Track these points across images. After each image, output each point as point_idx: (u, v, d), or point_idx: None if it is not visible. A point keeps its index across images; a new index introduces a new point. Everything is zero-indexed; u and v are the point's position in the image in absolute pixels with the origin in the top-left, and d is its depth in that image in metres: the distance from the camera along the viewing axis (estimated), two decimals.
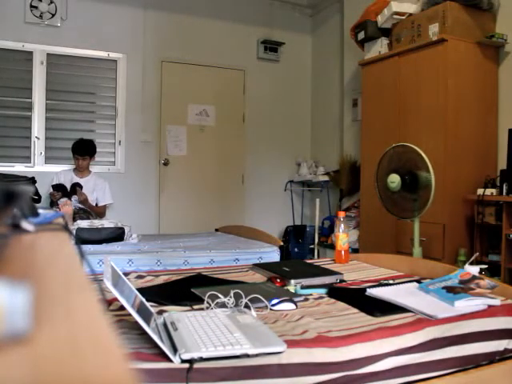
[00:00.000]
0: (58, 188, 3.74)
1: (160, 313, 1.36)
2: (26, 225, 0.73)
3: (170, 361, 1.03)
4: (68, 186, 3.79)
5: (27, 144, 4.36)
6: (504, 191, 3.02)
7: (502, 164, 3.23)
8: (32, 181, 3.51)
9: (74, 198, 3.75)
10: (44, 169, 4.33)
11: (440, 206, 3.22)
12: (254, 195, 5.30)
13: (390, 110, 3.72)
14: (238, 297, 1.46)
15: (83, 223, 2.97)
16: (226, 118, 5.17)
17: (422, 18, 3.45)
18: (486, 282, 1.63)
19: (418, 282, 1.78)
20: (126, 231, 3.06)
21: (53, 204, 3.68)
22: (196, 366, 1.03)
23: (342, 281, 1.90)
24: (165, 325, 1.24)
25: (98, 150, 4.17)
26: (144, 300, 1.20)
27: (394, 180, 2.79)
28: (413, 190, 2.75)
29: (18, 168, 4.24)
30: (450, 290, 1.59)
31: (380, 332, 1.27)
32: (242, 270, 2.18)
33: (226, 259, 2.73)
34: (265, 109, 5.37)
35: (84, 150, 3.95)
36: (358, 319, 1.39)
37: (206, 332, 1.17)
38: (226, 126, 5.17)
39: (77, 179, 3.94)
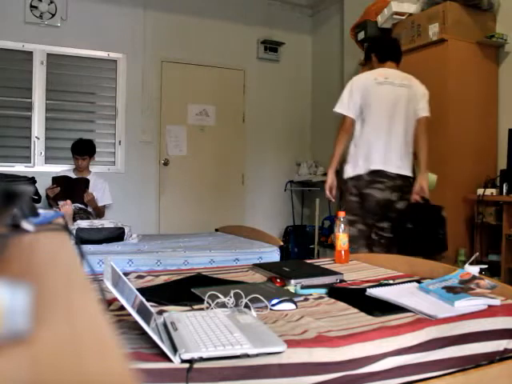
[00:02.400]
0: (59, 181, 3.71)
1: (160, 313, 1.35)
2: (25, 225, 0.73)
3: (170, 361, 1.03)
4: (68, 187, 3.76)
5: (27, 144, 4.36)
6: (504, 191, 3.02)
7: (502, 164, 3.23)
8: (32, 181, 3.51)
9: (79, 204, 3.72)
10: (44, 169, 4.33)
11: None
12: (254, 195, 5.31)
13: None
14: (238, 297, 1.46)
15: (83, 223, 2.97)
16: (226, 118, 5.17)
17: (422, 18, 3.45)
18: (486, 282, 1.63)
19: (418, 282, 1.78)
20: (125, 231, 3.05)
21: (50, 204, 3.66)
22: (196, 366, 1.03)
23: (342, 281, 1.90)
24: (165, 325, 1.24)
25: (97, 150, 4.18)
26: (144, 300, 1.20)
27: None
28: None
29: (18, 168, 4.24)
30: (449, 289, 1.59)
31: (380, 332, 1.27)
32: (242, 270, 2.18)
33: (226, 259, 2.73)
34: (265, 109, 5.37)
35: (83, 150, 3.95)
36: (358, 319, 1.39)
37: (206, 332, 1.17)
38: (226, 126, 5.17)
39: None
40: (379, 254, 2.53)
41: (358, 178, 2.73)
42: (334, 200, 2.97)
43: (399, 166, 2.71)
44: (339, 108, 2.82)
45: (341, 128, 2.83)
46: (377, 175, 2.69)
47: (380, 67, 2.88)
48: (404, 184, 2.73)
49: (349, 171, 2.77)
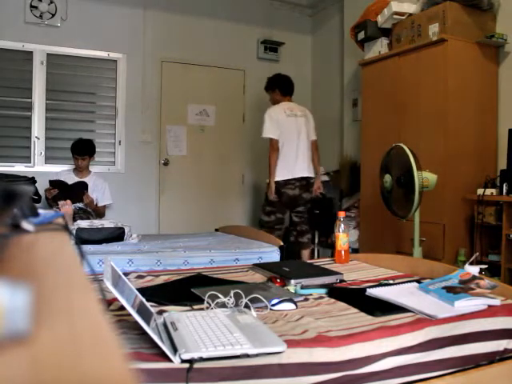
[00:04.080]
0: (56, 184, 3.72)
1: (160, 313, 1.36)
2: (26, 225, 0.73)
3: (170, 361, 1.03)
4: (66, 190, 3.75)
5: (27, 144, 4.36)
6: (504, 191, 3.02)
7: (502, 164, 3.23)
8: (32, 181, 3.51)
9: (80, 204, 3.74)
10: (44, 169, 4.33)
11: (440, 205, 3.23)
12: (254, 195, 5.30)
13: (390, 110, 3.72)
14: (238, 297, 1.46)
15: (83, 223, 2.97)
16: (225, 118, 5.17)
17: (422, 18, 3.45)
18: (486, 282, 1.63)
19: (418, 282, 1.78)
20: (125, 231, 3.05)
21: (49, 204, 3.65)
22: (196, 366, 1.03)
23: (342, 281, 1.90)
24: (165, 325, 1.24)
25: (97, 150, 4.17)
26: (144, 300, 1.20)
27: (387, 180, 2.86)
28: (411, 190, 2.75)
29: (18, 168, 4.24)
30: (449, 290, 1.59)
31: (380, 332, 1.27)
32: (242, 270, 2.18)
33: (225, 259, 2.72)
34: (265, 109, 5.34)
35: (83, 150, 3.94)
36: (358, 319, 1.39)
37: (206, 332, 1.17)
38: (225, 126, 5.17)
39: (77, 179, 3.94)
40: (379, 254, 2.53)
41: (278, 182, 3.83)
42: (275, 200, 3.95)
43: (304, 171, 3.87)
44: (266, 134, 3.87)
45: (272, 149, 3.86)
46: (290, 180, 3.83)
47: (282, 100, 4.00)
48: (307, 183, 3.93)
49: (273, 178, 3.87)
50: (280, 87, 4.05)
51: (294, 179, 3.84)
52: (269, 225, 3.94)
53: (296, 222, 4.05)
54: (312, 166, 3.98)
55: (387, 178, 2.88)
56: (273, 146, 3.86)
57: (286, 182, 3.83)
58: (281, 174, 3.83)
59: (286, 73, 5.51)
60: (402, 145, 2.80)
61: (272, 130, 3.85)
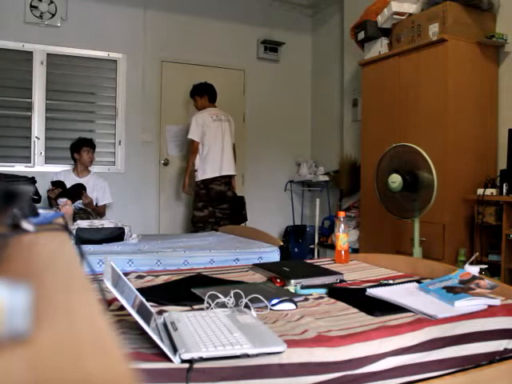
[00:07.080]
0: (57, 184, 3.72)
1: (160, 313, 1.36)
2: (26, 225, 0.73)
3: (170, 361, 1.03)
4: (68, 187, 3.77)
5: (27, 144, 4.36)
6: (504, 191, 3.01)
7: (502, 164, 3.22)
8: (32, 181, 3.50)
9: (79, 202, 3.74)
10: (44, 169, 4.33)
11: (440, 206, 3.22)
12: (254, 195, 5.30)
13: (390, 110, 3.72)
14: (238, 297, 1.46)
15: (83, 223, 2.97)
16: None
17: (422, 18, 3.45)
18: (486, 282, 1.63)
19: (418, 282, 1.78)
20: (125, 231, 3.05)
21: (52, 204, 3.66)
22: (196, 365, 1.03)
23: (342, 281, 1.90)
24: (165, 325, 1.24)
25: (97, 150, 4.19)
26: (144, 300, 1.20)
27: (395, 180, 2.79)
28: (414, 190, 2.75)
29: (18, 168, 4.24)
30: (450, 289, 1.59)
31: (380, 332, 1.27)
32: (242, 270, 2.18)
33: (225, 259, 2.72)
34: (265, 109, 5.37)
35: (91, 142, 4.00)
36: (358, 319, 1.39)
37: (206, 332, 1.17)
38: None
39: (77, 179, 3.94)
40: (379, 254, 2.53)
41: (207, 179, 4.21)
42: (190, 194, 4.45)
43: (228, 169, 4.29)
44: (191, 136, 4.24)
45: (192, 150, 4.29)
46: (217, 177, 4.22)
47: (208, 106, 4.36)
48: (230, 180, 4.36)
49: (200, 175, 4.23)
50: (209, 94, 4.40)
51: (221, 176, 4.24)
52: (203, 219, 4.23)
53: (219, 217, 4.35)
54: (234, 164, 4.39)
55: (395, 178, 2.77)
56: (194, 148, 4.26)
57: (214, 179, 4.22)
58: (210, 172, 4.21)
59: (285, 73, 5.56)
60: (412, 145, 2.78)
61: (196, 133, 4.22)
